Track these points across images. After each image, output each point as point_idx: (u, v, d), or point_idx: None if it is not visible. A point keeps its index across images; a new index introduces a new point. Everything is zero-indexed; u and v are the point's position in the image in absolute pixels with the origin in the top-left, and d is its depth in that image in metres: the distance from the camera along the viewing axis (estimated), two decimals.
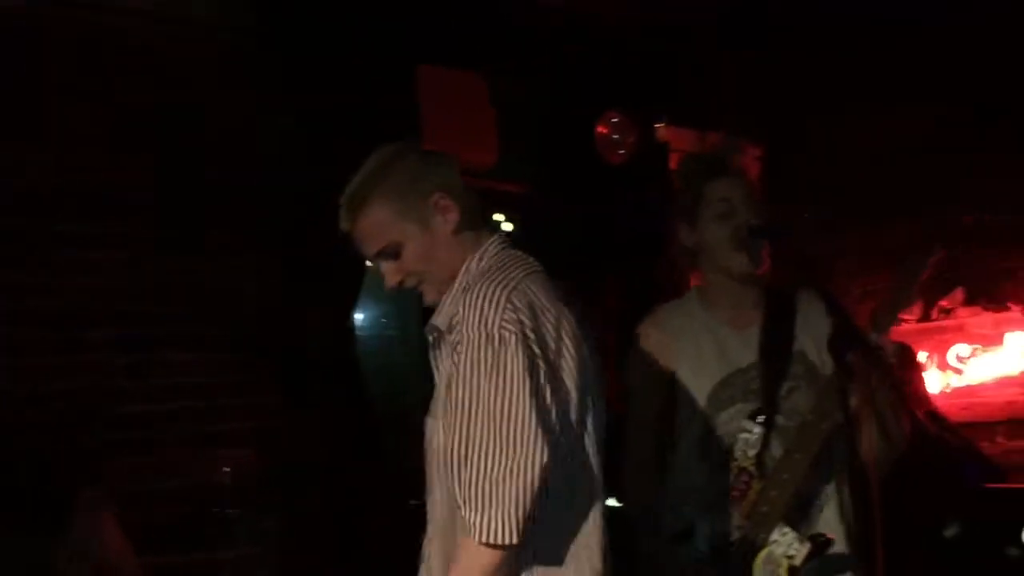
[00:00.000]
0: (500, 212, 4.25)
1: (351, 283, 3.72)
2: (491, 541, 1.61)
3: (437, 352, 1.85)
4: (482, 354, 1.65)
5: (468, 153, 3.66)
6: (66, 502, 2.80)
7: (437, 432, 1.76)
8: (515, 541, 1.61)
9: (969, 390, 4.74)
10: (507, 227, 4.26)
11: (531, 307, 1.71)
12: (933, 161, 4.65)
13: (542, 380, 1.68)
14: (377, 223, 1.84)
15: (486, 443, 1.62)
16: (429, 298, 1.87)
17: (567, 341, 1.74)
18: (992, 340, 4.71)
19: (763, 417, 2.20)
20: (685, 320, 2.37)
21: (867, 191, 4.85)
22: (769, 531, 2.11)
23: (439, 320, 1.83)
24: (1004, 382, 4.66)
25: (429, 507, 1.85)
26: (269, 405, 3.65)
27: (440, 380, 1.82)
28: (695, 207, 2.35)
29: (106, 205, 3.44)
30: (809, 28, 4.61)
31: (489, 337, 1.65)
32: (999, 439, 4.64)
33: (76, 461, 3.01)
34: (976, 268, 4.75)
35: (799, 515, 2.20)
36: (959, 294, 4.83)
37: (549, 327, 1.72)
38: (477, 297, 1.69)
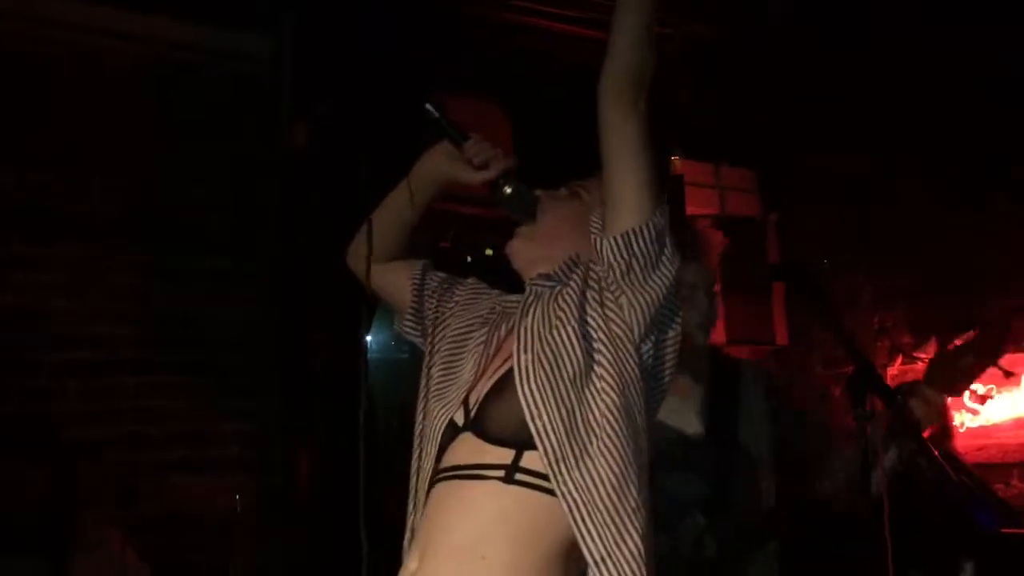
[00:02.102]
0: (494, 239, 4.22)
1: (363, 306, 3.69)
2: None
3: None
4: None
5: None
6: (72, 526, 2.80)
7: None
8: None
9: (984, 431, 4.67)
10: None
11: None
12: (933, 199, 4.62)
13: None
14: None
15: None
16: None
17: None
18: (1009, 380, 4.64)
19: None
20: None
21: (871, 227, 4.83)
22: None
23: None
24: (1020, 423, 4.59)
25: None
26: (278, 429, 3.63)
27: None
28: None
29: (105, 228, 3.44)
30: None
31: None
32: (1014, 481, 4.56)
33: (82, 486, 2.99)
34: (990, 307, 4.70)
35: None
36: (974, 333, 4.77)
37: None
38: None
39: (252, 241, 3.62)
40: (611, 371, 1.65)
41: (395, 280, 2.03)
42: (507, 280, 1.95)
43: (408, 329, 2.04)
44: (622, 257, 1.68)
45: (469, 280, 2.04)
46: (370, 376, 4.03)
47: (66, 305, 3.40)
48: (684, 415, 2.44)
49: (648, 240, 1.69)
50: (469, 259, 4.35)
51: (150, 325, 3.51)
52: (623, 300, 1.70)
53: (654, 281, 1.70)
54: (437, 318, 1.97)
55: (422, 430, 1.80)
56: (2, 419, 3.15)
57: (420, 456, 1.78)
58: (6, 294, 3.31)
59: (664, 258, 1.71)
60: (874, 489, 2.12)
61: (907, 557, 2.11)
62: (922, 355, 4.91)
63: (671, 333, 1.75)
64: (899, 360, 4.94)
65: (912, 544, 2.25)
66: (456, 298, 1.99)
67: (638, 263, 1.69)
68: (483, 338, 1.83)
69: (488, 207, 4.00)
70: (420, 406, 1.84)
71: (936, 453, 2.20)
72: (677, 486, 2.33)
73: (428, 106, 1.90)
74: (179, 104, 3.58)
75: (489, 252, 4.37)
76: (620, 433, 1.62)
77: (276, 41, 3.57)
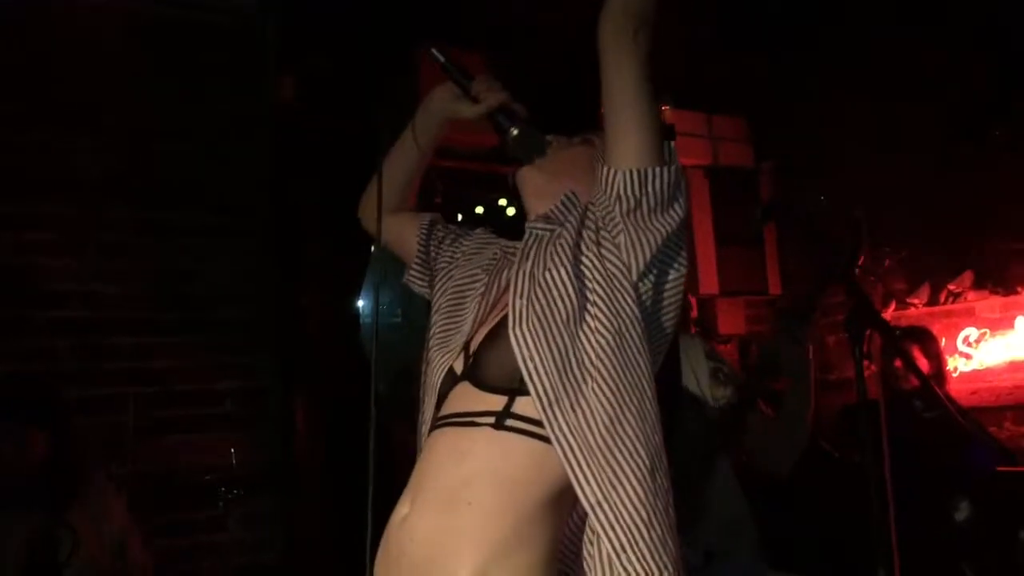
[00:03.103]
0: (504, 196, 4.22)
1: (355, 269, 3.69)
2: None
3: None
4: None
5: (472, 136, 3.62)
6: (74, 483, 2.81)
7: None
8: None
9: (977, 374, 4.70)
10: (511, 211, 4.23)
11: None
12: (930, 143, 4.61)
13: None
14: None
15: None
16: None
17: None
18: (1002, 324, 4.66)
19: None
20: None
21: (867, 173, 4.81)
22: None
23: None
24: (1013, 366, 4.62)
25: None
26: (271, 391, 3.64)
27: None
28: None
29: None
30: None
31: None
32: (1007, 424, 4.60)
33: (83, 442, 2.99)
34: (985, 251, 4.71)
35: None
36: (968, 277, 4.79)
37: None
38: None
39: (245, 197, 3.60)
40: (605, 311, 1.63)
41: (403, 231, 2.03)
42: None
43: (414, 279, 2.04)
44: (633, 193, 1.65)
45: (478, 230, 2.04)
46: (364, 333, 4.06)
47: (59, 264, 3.38)
48: None
49: (665, 184, 1.66)
50: (460, 216, 4.34)
51: (143, 283, 3.49)
52: (621, 239, 1.67)
53: (659, 222, 1.67)
54: (444, 268, 1.96)
55: (425, 380, 1.79)
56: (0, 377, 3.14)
57: (424, 405, 1.78)
58: (5, 255, 3.28)
59: (676, 204, 1.69)
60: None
61: (904, 497, 2.12)
62: (915, 300, 4.93)
63: (673, 274, 1.72)
64: (892, 306, 4.96)
65: (909, 484, 2.27)
66: (463, 249, 1.98)
67: (648, 203, 1.66)
68: (483, 286, 1.82)
69: (480, 162, 4.00)
70: (424, 356, 1.82)
71: (939, 392, 2.22)
72: None
73: (432, 50, 1.90)
74: (169, 60, 3.55)
75: (480, 210, 4.36)
76: (615, 374, 1.59)
77: None
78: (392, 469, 1.78)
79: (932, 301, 4.89)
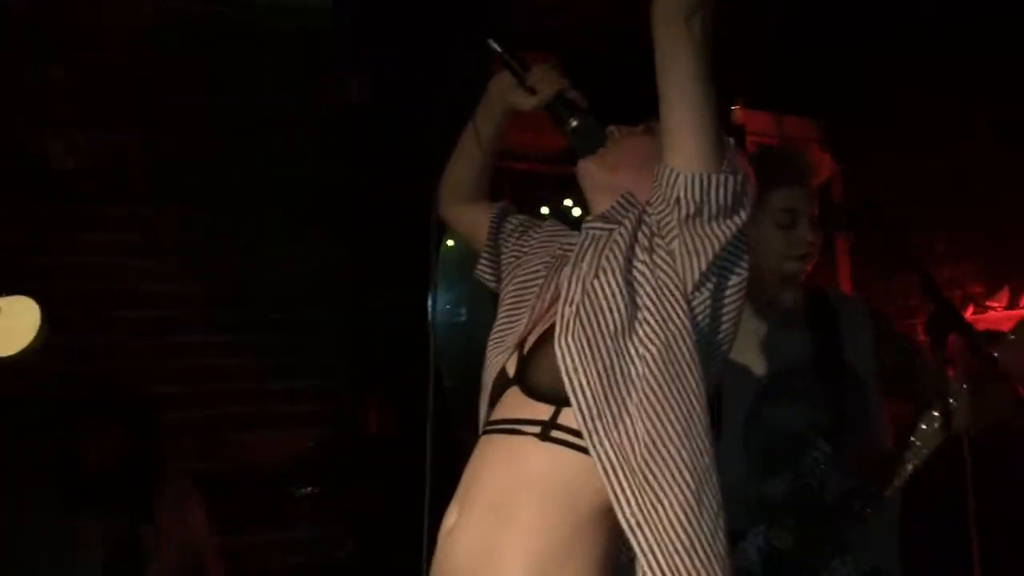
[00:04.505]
0: (570, 197, 4.22)
1: (427, 268, 3.72)
2: None
3: None
4: None
5: (538, 137, 3.62)
6: (151, 483, 2.88)
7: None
8: None
9: None
10: (576, 212, 4.22)
11: None
12: (1007, 145, 4.49)
13: None
14: None
15: None
16: None
17: None
18: None
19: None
20: None
21: (943, 176, 4.70)
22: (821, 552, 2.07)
23: None
24: None
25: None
26: (344, 388, 3.69)
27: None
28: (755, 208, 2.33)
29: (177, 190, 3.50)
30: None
31: None
32: None
33: (163, 441, 3.07)
34: None
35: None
36: None
37: None
38: None
39: (317, 198, 3.66)
40: (655, 323, 1.56)
41: (473, 223, 2.03)
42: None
43: (483, 272, 2.02)
44: (693, 199, 1.58)
45: (547, 222, 1.99)
46: (438, 334, 4.08)
47: (143, 264, 3.48)
48: (783, 344, 2.31)
49: (728, 191, 1.58)
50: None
51: (220, 283, 3.58)
52: (675, 245, 1.59)
53: (719, 230, 1.60)
54: (511, 262, 1.93)
55: (482, 379, 1.77)
56: (82, 376, 3.24)
57: (480, 407, 1.76)
58: (84, 254, 3.40)
59: (740, 210, 1.62)
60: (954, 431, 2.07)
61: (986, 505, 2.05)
62: (994, 304, 4.80)
63: (733, 279, 1.64)
64: (970, 309, 4.84)
65: (993, 493, 2.19)
66: (531, 242, 1.94)
67: (708, 210, 1.58)
68: (542, 284, 1.79)
69: (548, 163, 4.00)
70: (485, 356, 1.79)
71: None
72: (788, 419, 2.23)
73: (490, 41, 1.88)
74: (244, 64, 3.63)
75: (545, 211, 4.36)
76: (661, 390, 1.53)
77: None
78: (458, 471, 1.79)
79: (1012, 304, 4.76)
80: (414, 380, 3.67)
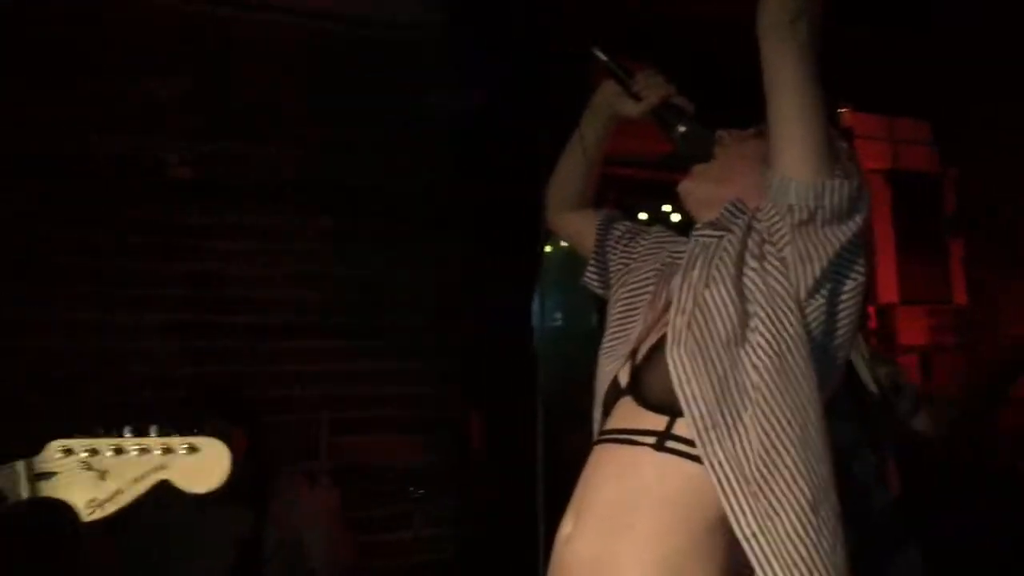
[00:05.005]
0: (669, 203, 4.20)
1: (531, 275, 3.76)
2: None
3: None
4: None
5: (639, 143, 3.62)
6: (271, 481, 2.99)
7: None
8: None
9: None
10: (675, 218, 4.20)
11: None
12: None
13: None
14: None
15: None
16: None
17: None
18: None
19: None
20: None
21: None
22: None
23: None
24: None
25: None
26: (449, 395, 3.74)
27: None
28: None
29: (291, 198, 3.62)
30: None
31: None
32: None
33: (277, 442, 3.18)
34: None
35: None
36: None
37: None
38: None
39: (426, 205, 3.74)
40: (767, 332, 1.53)
41: (580, 230, 2.02)
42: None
43: (590, 280, 2.01)
44: (806, 205, 1.55)
45: (655, 228, 1.97)
46: (538, 340, 4.12)
47: (257, 271, 3.60)
48: None
49: (843, 197, 1.56)
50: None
51: (332, 290, 3.68)
52: (787, 252, 1.56)
53: (833, 235, 1.56)
54: (619, 270, 1.92)
55: (595, 388, 1.77)
56: (200, 380, 3.37)
57: (595, 413, 1.75)
58: (204, 261, 3.54)
59: (856, 215, 1.58)
60: None
61: None
62: None
63: (849, 285, 1.60)
64: None
65: None
66: (639, 249, 1.92)
67: (822, 216, 1.55)
68: (654, 292, 1.76)
69: (647, 169, 3.99)
70: (597, 364, 1.79)
71: None
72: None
73: (595, 49, 1.87)
74: (356, 74, 3.72)
75: (644, 216, 4.34)
76: (775, 399, 1.50)
77: (442, 8, 3.64)
78: (563, 474, 1.81)
79: None
80: (517, 385, 3.73)
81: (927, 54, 4.59)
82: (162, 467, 1.34)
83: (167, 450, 1.34)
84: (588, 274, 2.01)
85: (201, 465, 1.34)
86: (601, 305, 1.96)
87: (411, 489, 3.33)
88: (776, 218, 1.59)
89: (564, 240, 2.10)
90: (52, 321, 3.29)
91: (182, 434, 1.35)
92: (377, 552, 3.50)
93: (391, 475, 3.47)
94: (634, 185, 4.20)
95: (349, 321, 3.69)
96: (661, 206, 4.30)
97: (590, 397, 1.81)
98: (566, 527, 1.61)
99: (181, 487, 1.34)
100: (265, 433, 3.04)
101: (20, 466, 1.33)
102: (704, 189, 1.77)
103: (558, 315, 4.83)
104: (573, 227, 2.05)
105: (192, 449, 1.34)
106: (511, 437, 3.70)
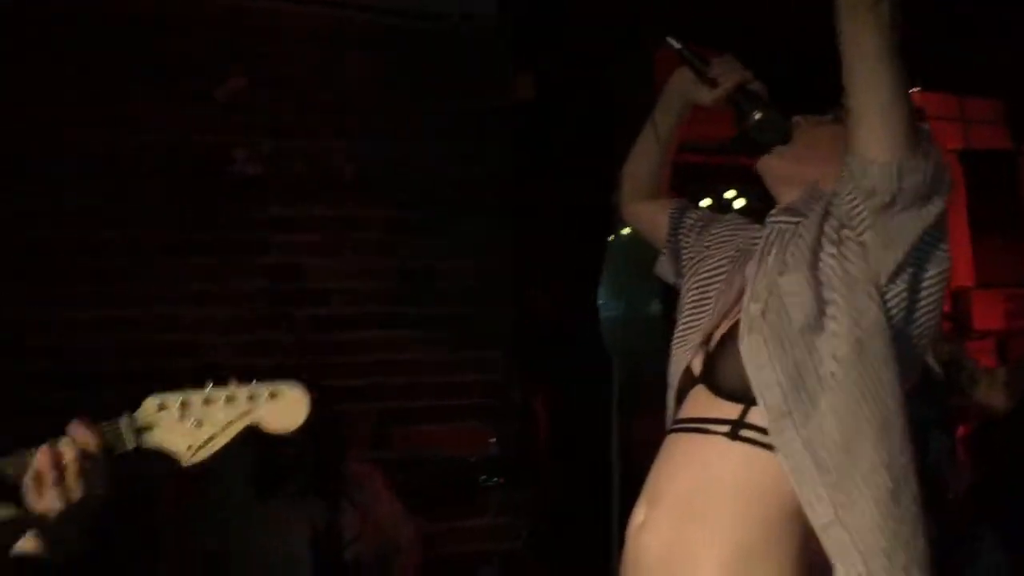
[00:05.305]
0: (732, 188, 4.15)
1: (595, 262, 3.76)
2: None
3: None
4: None
5: (703, 127, 3.59)
6: (341, 472, 3.05)
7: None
8: None
9: None
10: (739, 204, 4.15)
11: None
12: None
13: None
14: None
15: None
16: None
17: None
18: None
19: None
20: None
21: None
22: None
23: None
24: None
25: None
26: (512, 384, 3.76)
27: None
28: None
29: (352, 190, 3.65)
30: None
31: None
32: None
33: (345, 434, 3.22)
34: None
35: None
36: None
37: None
38: None
39: (485, 195, 3.75)
40: (844, 319, 1.51)
41: (654, 219, 2.02)
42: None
43: (664, 269, 2.00)
44: (889, 188, 1.51)
45: (728, 216, 1.97)
46: (603, 325, 4.12)
47: (320, 263, 3.65)
48: None
49: (924, 178, 1.52)
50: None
51: (394, 280, 3.71)
52: (867, 237, 1.54)
53: (915, 219, 1.53)
54: (692, 257, 1.91)
55: (668, 376, 1.76)
56: (274, 372, 3.41)
57: (668, 401, 1.74)
58: (269, 255, 3.60)
59: (937, 197, 1.55)
60: None
61: None
62: None
63: (932, 271, 1.57)
64: None
65: None
66: (711, 237, 1.91)
67: (903, 199, 1.52)
68: (725, 282, 1.75)
69: (706, 154, 3.95)
70: (671, 352, 1.78)
71: None
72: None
73: (669, 38, 1.86)
74: (413, 67, 3.75)
75: (707, 202, 4.29)
76: (853, 387, 1.48)
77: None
78: (631, 461, 1.81)
79: None
80: (584, 373, 3.73)
81: (997, 31, 4.46)
82: (249, 412, 1.44)
83: (251, 397, 1.45)
84: (661, 263, 2.01)
85: (284, 408, 1.44)
86: (665, 293, 1.95)
87: (483, 477, 3.35)
88: (855, 202, 1.56)
89: (637, 229, 2.09)
90: (109, 319, 3.36)
91: (261, 382, 1.45)
92: (451, 539, 3.53)
93: (462, 463, 3.49)
94: (697, 171, 4.15)
95: (416, 311, 3.72)
96: (724, 192, 4.25)
97: (653, 384, 1.80)
98: (638, 515, 1.61)
99: (268, 429, 1.45)
100: (335, 423, 3.09)
101: (123, 421, 1.43)
102: (785, 166, 1.75)
103: (622, 302, 4.81)
104: (647, 216, 2.04)
105: (273, 395, 1.45)
106: (579, 424, 3.71)
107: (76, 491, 1.37)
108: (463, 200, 3.73)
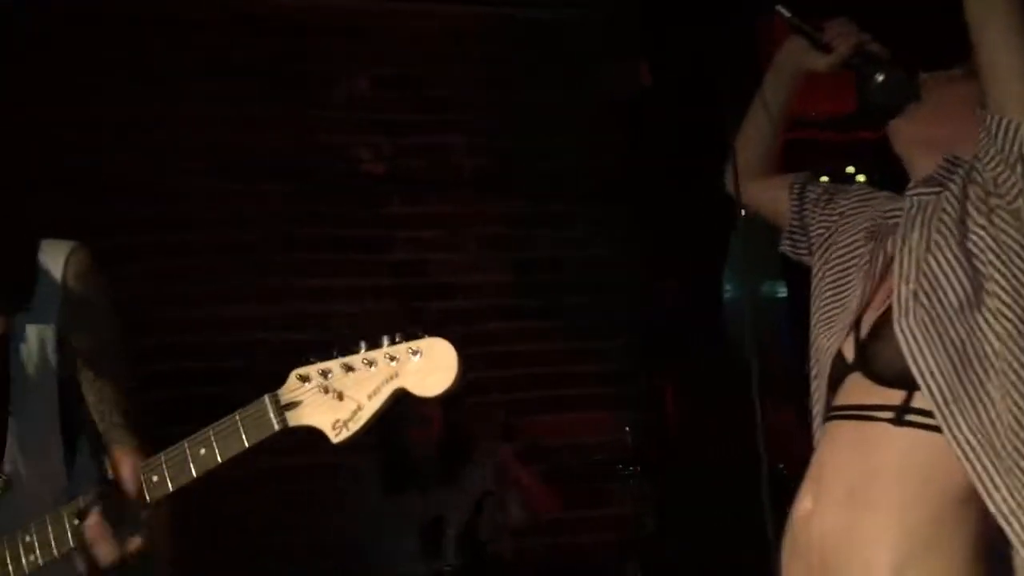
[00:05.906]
0: (852, 164, 4.06)
1: (716, 247, 3.69)
2: None
3: None
4: None
5: (820, 103, 3.52)
6: (465, 462, 3.13)
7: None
8: None
9: None
10: (860, 179, 4.06)
11: None
12: None
13: None
14: None
15: None
16: None
17: None
18: None
19: None
20: None
21: None
22: None
23: None
24: None
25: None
26: (636, 373, 3.76)
27: None
28: None
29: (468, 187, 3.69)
30: None
31: None
32: None
33: (471, 424, 3.29)
34: None
35: None
36: None
37: None
38: None
39: (603, 185, 3.75)
40: (1006, 294, 1.43)
41: (773, 196, 1.94)
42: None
43: (791, 247, 1.92)
44: None
45: (852, 187, 1.88)
46: (728, 310, 4.07)
47: (443, 258, 3.72)
48: None
49: None
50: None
51: (515, 273, 3.75)
52: (1020, 203, 1.45)
53: None
54: (822, 233, 1.82)
55: (814, 362, 1.70)
56: None
57: (815, 390, 1.69)
58: (395, 251, 3.68)
59: None
60: None
61: None
62: None
63: None
64: None
65: None
66: (840, 209, 1.82)
67: None
68: (868, 257, 1.67)
69: (822, 130, 3.85)
70: (812, 335, 1.72)
71: None
72: None
73: (779, 7, 1.77)
74: (530, 60, 3.77)
75: (825, 179, 4.20)
76: (1022, 367, 1.41)
77: None
78: (761, 446, 1.78)
79: None
80: (708, 360, 3.70)
81: None
82: (393, 376, 1.30)
83: (392, 357, 1.30)
84: (787, 241, 1.93)
85: (430, 366, 1.29)
86: (791, 274, 1.90)
87: (619, 466, 3.36)
88: (1001, 167, 1.48)
89: (756, 209, 2.01)
90: (239, 318, 3.48)
91: (399, 341, 1.31)
92: (580, 529, 3.56)
93: (588, 452, 3.52)
94: (810, 147, 4.07)
95: (534, 303, 3.76)
96: (844, 168, 4.15)
97: (783, 366, 1.77)
98: (804, 504, 1.58)
99: (417, 393, 1.30)
100: (461, 415, 3.16)
101: (267, 400, 1.35)
102: (916, 129, 1.66)
103: (745, 285, 4.74)
104: (766, 195, 1.96)
105: (415, 352, 1.29)
106: (713, 413, 3.67)
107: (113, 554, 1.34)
108: (584, 191, 3.73)
